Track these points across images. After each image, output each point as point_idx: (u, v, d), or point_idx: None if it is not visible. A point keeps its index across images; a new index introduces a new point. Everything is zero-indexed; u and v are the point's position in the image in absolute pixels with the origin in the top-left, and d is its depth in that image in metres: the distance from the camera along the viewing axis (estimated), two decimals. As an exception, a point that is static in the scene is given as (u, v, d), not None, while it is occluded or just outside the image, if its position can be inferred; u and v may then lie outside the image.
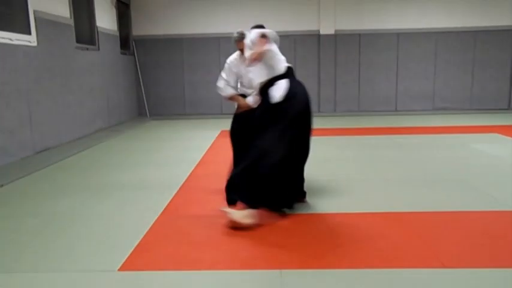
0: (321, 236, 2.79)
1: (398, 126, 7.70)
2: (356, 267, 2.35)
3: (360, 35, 9.74)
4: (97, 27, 7.76)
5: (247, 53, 3.23)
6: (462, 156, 5.12)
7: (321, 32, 9.62)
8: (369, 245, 2.62)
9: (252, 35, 3.28)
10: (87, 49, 7.35)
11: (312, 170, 4.45)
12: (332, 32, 9.63)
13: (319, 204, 3.42)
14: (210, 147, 6.02)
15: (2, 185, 4.13)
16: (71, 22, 6.70)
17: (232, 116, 3.94)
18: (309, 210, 3.27)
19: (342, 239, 2.73)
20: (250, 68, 3.33)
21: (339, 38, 9.70)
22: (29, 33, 5.55)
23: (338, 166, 4.72)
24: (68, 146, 6.06)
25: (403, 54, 9.82)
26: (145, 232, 2.88)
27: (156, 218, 3.16)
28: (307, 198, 3.47)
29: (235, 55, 3.89)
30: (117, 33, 8.83)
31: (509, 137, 6.29)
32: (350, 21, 9.69)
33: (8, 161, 5.00)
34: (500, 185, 3.88)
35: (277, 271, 2.32)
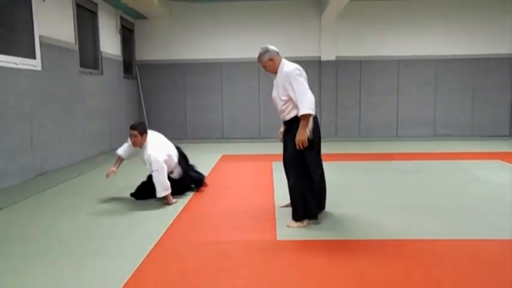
0: (322, 263, 2.75)
1: (399, 152, 7.70)
2: (357, 296, 2.31)
3: (360, 61, 9.87)
4: (101, 52, 7.87)
5: None
6: (463, 182, 5.09)
7: (322, 58, 9.75)
8: (371, 273, 2.58)
9: None
10: (91, 73, 7.44)
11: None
12: (333, 58, 9.75)
13: (319, 231, 3.39)
14: (210, 172, 6.01)
15: (0, 208, 4.11)
16: (76, 47, 6.81)
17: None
18: (308, 238, 3.23)
19: (344, 267, 2.69)
20: None
21: (340, 64, 9.81)
22: (34, 57, 5.63)
23: (338, 192, 4.70)
24: (68, 169, 6.06)
25: (404, 80, 9.92)
26: (143, 258, 2.84)
27: (154, 243, 3.13)
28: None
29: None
30: (121, 58, 8.96)
31: (510, 164, 6.27)
32: (351, 48, 9.83)
33: (8, 184, 4.99)
34: (502, 212, 3.84)
35: (276, 300, 2.28)
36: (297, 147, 3.47)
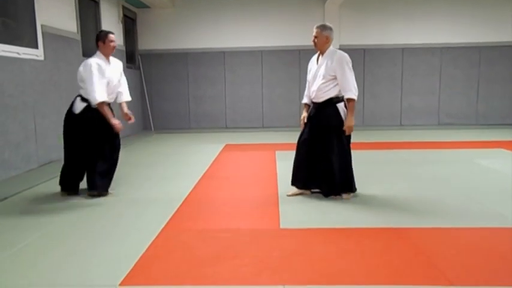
0: (325, 251, 2.76)
1: (403, 141, 7.67)
2: (361, 283, 2.32)
3: (364, 49, 9.80)
4: (103, 42, 7.83)
5: None
6: (467, 171, 5.08)
7: (326, 47, 9.67)
8: (374, 261, 2.58)
9: None
10: (94, 63, 7.41)
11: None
12: (337, 46, 9.66)
13: (322, 219, 3.40)
14: (214, 161, 6.02)
15: (5, 198, 4.13)
16: (78, 37, 6.79)
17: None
18: (313, 226, 3.24)
19: (346, 255, 2.70)
20: None
21: (344, 53, 9.73)
22: (36, 47, 5.62)
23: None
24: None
25: (408, 69, 9.85)
26: (147, 247, 2.86)
27: (158, 232, 3.14)
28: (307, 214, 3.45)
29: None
30: (124, 48, 8.93)
31: (515, 153, 6.25)
32: (355, 36, 9.76)
33: (13, 174, 5.02)
34: (505, 201, 3.83)
35: (280, 287, 2.29)
36: (347, 133, 3.79)
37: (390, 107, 9.97)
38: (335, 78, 3.78)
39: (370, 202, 3.86)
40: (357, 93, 3.78)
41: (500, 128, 9.30)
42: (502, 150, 6.51)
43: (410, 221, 3.31)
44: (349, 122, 3.77)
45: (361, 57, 9.82)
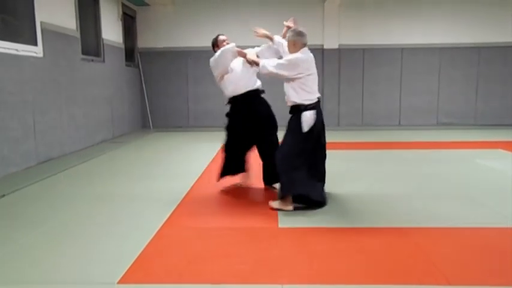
0: (324, 251, 2.76)
1: (402, 141, 7.67)
2: (360, 282, 2.32)
3: (363, 49, 9.80)
4: (103, 40, 7.83)
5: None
6: (466, 171, 5.09)
7: (325, 47, 9.68)
8: (373, 260, 2.59)
9: None
10: (93, 61, 7.41)
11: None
12: (336, 46, 9.68)
13: (321, 218, 3.40)
14: (213, 159, 6.02)
15: (3, 195, 4.13)
16: (77, 34, 6.77)
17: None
18: (312, 225, 3.24)
19: (346, 254, 2.70)
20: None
21: (343, 53, 9.75)
22: (36, 44, 5.60)
23: (341, 181, 4.69)
24: (71, 157, 6.07)
25: (407, 69, 9.85)
26: (145, 244, 2.86)
27: (156, 230, 3.14)
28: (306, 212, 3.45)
29: None
30: (123, 46, 8.91)
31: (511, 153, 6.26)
32: (354, 36, 9.76)
33: (12, 171, 5.01)
34: (504, 200, 3.84)
35: (278, 286, 2.29)
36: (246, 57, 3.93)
37: (389, 106, 9.98)
38: (293, 81, 3.59)
39: (368, 201, 3.86)
40: (267, 71, 3.63)
41: (499, 129, 9.31)
42: (501, 150, 6.52)
43: (409, 221, 3.32)
44: (251, 55, 3.91)
45: (360, 57, 9.83)
